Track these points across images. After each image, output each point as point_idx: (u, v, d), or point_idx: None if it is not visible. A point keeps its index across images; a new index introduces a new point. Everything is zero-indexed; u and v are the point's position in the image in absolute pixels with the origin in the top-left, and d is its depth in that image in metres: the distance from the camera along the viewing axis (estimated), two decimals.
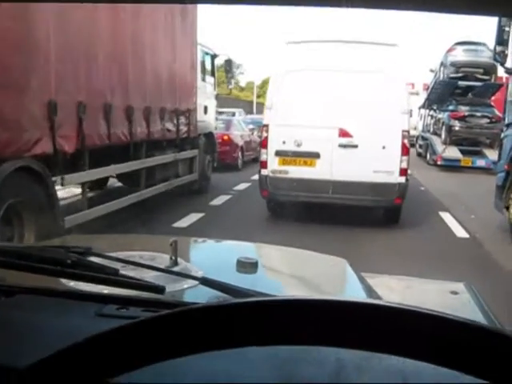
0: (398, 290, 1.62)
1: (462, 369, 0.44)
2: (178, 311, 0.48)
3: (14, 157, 4.02)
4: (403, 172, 6.60)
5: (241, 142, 13.94)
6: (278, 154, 6.90)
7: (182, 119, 7.95)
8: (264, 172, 6.98)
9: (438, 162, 15.55)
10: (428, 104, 19.49)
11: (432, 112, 19.07)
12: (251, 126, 15.85)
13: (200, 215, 7.21)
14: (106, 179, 7.50)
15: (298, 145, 6.82)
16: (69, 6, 4.17)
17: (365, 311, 0.46)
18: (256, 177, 7.39)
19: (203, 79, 9.52)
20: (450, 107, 16.68)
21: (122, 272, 0.94)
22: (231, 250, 1.63)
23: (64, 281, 0.98)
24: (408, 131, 6.66)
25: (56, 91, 4.45)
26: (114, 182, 7.77)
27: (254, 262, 1.16)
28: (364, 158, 6.57)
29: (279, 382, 0.67)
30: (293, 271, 1.47)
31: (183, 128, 8.02)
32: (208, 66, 10.02)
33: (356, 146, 6.67)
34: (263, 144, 7.05)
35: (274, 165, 6.92)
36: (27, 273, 0.92)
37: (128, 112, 5.97)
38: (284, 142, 6.86)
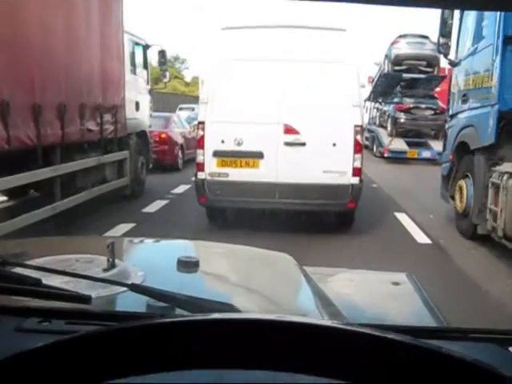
0: (340, 283, 1.62)
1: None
2: (97, 331, 0.45)
3: None
4: (357, 172, 5.91)
5: (180, 140, 13.10)
6: (216, 154, 6.10)
7: (107, 117, 6.99)
8: (201, 175, 6.15)
9: (385, 155, 15.87)
10: (373, 97, 19.63)
11: (378, 105, 19.22)
12: (196, 122, 14.98)
13: (130, 226, 6.38)
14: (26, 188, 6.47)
15: (239, 144, 6.03)
16: None
17: (286, 329, 0.45)
18: None
19: (133, 72, 8.64)
20: (395, 99, 16.96)
21: (46, 282, 0.88)
22: (172, 249, 1.61)
23: None
24: (361, 126, 5.97)
25: None
26: None
27: (195, 261, 1.17)
28: (313, 157, 5.87)
29: None
30: (236, 268, 1.43)
31: (109, 127, 7.06)
32: (139, 58, 9.11)
33: (303, 144, 5.94)
34: (199, 144, 6.21)
35: (211, 167, 6.12)
36: None
37: (34, 111, 4.97)
38: (223, 141, 6.06)
